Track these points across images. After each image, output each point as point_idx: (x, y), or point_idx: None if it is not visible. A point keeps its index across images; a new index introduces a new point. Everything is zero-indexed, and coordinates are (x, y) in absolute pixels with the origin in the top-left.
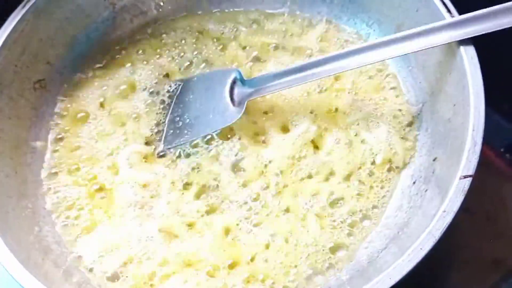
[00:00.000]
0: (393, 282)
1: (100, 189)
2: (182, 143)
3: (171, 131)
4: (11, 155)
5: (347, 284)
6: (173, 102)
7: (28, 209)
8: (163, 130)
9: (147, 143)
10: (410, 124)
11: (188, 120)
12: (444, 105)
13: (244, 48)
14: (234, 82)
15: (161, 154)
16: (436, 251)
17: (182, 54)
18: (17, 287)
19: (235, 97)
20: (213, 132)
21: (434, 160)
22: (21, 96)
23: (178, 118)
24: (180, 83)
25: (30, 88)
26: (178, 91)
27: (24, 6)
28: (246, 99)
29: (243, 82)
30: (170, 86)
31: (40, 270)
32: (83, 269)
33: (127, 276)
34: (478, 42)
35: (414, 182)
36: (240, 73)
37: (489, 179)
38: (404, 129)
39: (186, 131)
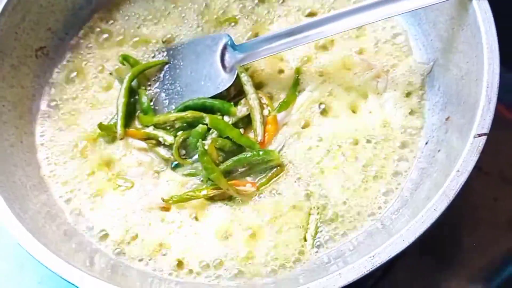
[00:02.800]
0: (406, 243)
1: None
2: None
3: (163, 100)
4: (16, 124)
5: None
6: (163, 71)
7: (34, 178)
8: (153, 99)
9: None
10: (422, 83)
11: (179, 88)
12: (456, 63)
13: None
14: (225, 48)
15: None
16: (449, 213)
17: (183, 15)
18: (28, 257)
19: (226, 63)
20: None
21: (446, 119)
22: (23, 64)
23: (168, 86)
24: (170, 49)
25: (32, 55)
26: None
27: None
28: (237, 64)
29: (234, 47)
30: (160, 53)
31: (48, 238)
32: (91, 238)
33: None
34: None
35: (426, 143)
36: (231, 38)
37: (503, 138)
38: (415, 89)
39: (176, 99)
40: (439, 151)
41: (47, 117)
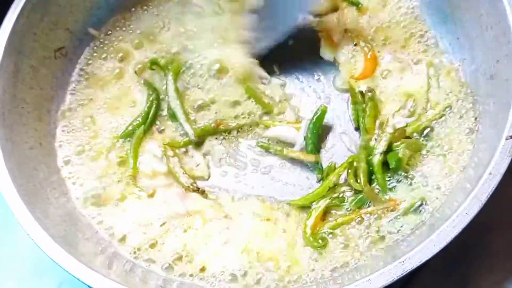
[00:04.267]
0: (437, 248)
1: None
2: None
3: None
4: (35, 126)
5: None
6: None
7: (54, 181)
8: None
9: None
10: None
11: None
12: (485, 62)
13: None
14: None
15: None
16: (479, 215)
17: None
18: (47, 261)
19: None
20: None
21: (475, 119)
22: (42, 65)
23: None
24: None
25: (51, 56)
26: None
27: None
28: None
29: None
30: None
31: (68, 241)
32: (113, 241)
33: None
34: None
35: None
36: None
37: None
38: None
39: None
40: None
41: (66, 119)
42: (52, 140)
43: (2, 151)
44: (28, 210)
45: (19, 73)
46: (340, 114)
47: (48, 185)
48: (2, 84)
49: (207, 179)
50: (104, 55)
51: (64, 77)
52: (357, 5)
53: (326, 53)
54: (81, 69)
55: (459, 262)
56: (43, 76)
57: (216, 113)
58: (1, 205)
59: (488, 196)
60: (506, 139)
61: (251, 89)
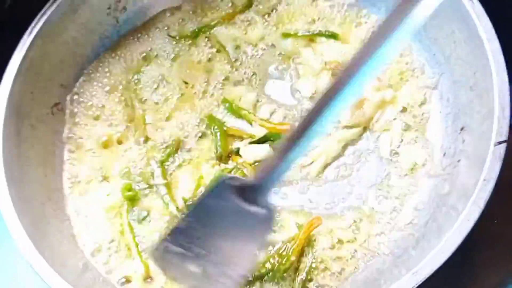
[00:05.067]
0: (447, 255)
1: None
2: None
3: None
4: (41, 182)
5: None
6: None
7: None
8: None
9: None
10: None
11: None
12: (463, 74)
13: None
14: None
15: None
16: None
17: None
18: None
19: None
20: None
21: (461, 129)
22: (41, 122)
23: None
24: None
25: (49, 113)
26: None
27: (31, 32)
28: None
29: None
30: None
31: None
32: None
33: None
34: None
35: (444, 154)
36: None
37: None
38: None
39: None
40: (459, 161)
41: (70, 170)
42: (60, 194)
43: (15, 209)
44: (47, 264)
45: (20, 132)
46: None
47: (62, 237)
48: (7, 145)
49: None
50: (95, 109)
51: (63, 131)
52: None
53: None
54: (76, 123)
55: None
56: (43, 132)
57: None
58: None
59: (486, 202)
60: (494, 145)
61: None
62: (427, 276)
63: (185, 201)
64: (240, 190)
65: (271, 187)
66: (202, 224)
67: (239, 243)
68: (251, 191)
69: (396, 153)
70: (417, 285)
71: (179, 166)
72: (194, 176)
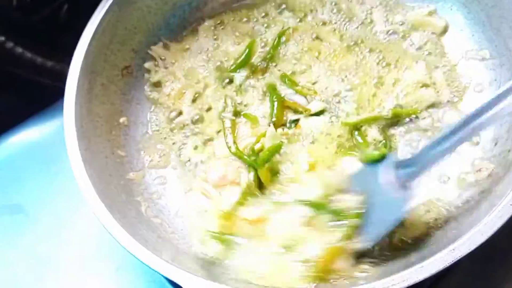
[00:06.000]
0: (485, 237)
1: None
2: None
3: None
4: (108, 138)
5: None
6: None
7: (127, 185)
8: None
9: None
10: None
11: None
12: None
13: None
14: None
15: None
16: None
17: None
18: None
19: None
20: None
21: None
22: (111, 82)
23: None
24: None
25: (119, 74)
26: None
27: None
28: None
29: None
30: None
31: (144, 239)
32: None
33: None
34: None
35: (495, 144)
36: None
37: None
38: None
39: None
40: (509, 151)
41: (132, 131)
42: (123, 150)
43: (82, 160)
44: (110, 212)
45: (92, 90)
46: None
47: (122, 190)
48: (79, 100)
49: None
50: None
51: (131, 93)
52: None
53: None
54: (144, 87)
55: (488, 264)
56: (112, 92)
57: None
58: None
59: None
60: None
61: None
62: (463, 255)
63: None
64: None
65: (421, 171)
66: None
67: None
68: (404, 168)
69: None
70: (453, 263)
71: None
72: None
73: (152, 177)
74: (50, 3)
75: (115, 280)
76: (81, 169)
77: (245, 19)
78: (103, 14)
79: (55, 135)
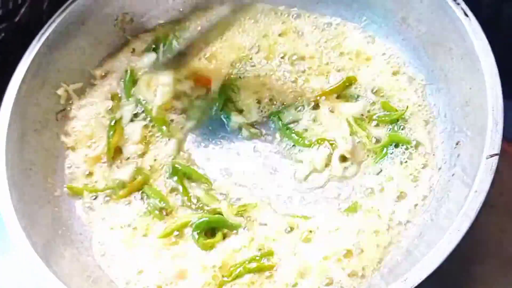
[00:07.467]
0: (436, 264)
1: None
2: None
3: None
4: (44, 187)
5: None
6: None
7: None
8: None
9: None
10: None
11: None
12: (459, 90)
13: None
14: None
15: None
16: (459, 245)
17: None
18: None
19: None
20: None
21: (457, 144)
22: (45, 127)
23: None
24: None
25: (54, 119)
26: None
27: (39, 40)
28: None
29: None
30: None
31: None
32: None
33: None
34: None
35: (440, 168)
36: None
37: (508, 172)
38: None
39: None
40: (452, 175)
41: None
42: (61, 200)
43: (15, 211)
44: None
45: (24, 136)
46: None
47: (60, 241)
48: (10, 147)
49: None
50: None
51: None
52: None
53: None
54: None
55: (471, 263)
56: (47, 138)
57: None
58: None
59: (477, 213)
60: (486, 158)
61: None
62: (416, 284)
63: None
64: None
65: None
66: None
67: None
68: None
69: None
70: None
71: None
72: None
73: None
74: None
75: None
76: (14, 223)
77: None
78: (33, 56)
79: None
